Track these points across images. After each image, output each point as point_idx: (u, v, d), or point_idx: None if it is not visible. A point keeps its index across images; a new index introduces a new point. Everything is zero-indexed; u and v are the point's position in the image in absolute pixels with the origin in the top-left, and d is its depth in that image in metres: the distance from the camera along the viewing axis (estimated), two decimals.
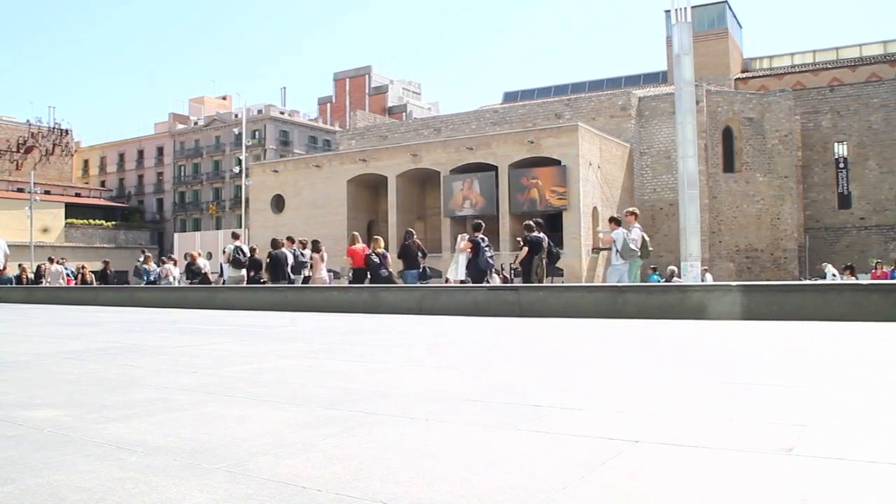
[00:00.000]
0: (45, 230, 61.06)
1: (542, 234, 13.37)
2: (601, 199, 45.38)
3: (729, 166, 50.19)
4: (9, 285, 22.62)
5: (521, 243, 13.34)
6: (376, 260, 14.60)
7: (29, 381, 4.14)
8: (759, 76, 62.71)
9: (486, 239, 13.76)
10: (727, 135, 50.30)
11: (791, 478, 1.90)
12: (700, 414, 2.80)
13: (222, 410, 3.09)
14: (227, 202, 74.98)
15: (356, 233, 17.15)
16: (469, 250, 13.77)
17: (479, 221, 14.48)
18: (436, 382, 3.85)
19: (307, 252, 16.98)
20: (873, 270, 25.13)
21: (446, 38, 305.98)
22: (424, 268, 15.19)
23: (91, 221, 71.46)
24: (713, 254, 47.17)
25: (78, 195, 76.98)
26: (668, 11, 48.65)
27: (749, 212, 49.35)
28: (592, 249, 43.97)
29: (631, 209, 13.39)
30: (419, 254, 15.04)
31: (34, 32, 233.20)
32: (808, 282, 19.03)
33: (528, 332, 7.09)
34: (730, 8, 63.01)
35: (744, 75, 63.28)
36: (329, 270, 17.32)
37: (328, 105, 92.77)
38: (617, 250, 12.54)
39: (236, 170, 56.48)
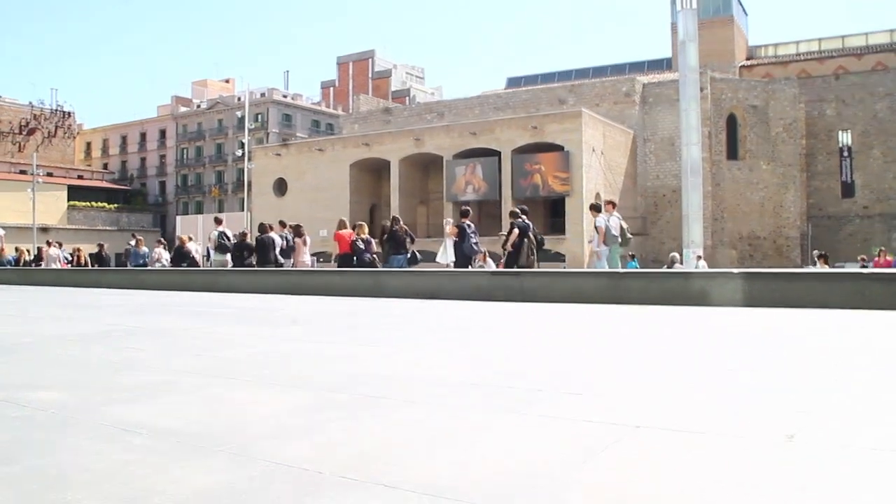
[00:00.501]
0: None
1: (527, 221, 13.45)
2: (604, 185, 45.31)
3: (733, 154, 50.06)
4: (9, 267, 22.78)
5: (511, 227, 13.39)
6: (361, 245, 14.77)
7: (33, 363, 4.15)
8: (764, 64, 62.43)
9: (472, 225, 13.87)
10: (731, 122, 50.14)
11: (792, 464, 1.91)
12: (702, 400, 2.81)
13: (227, 393, 3.10)
14: (230, 185, 74.95)
15: (343, 218, 17.17)
16: (455, 235, 13.90)
17: (467, 208, 14.65)
18: (439, 367, 3.86)
19: (307, 238, 16.90)
20: (875, 258, 25.08)
21: (450, 23, 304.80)
22: (413, 252, 15.23)
23: (93, 204, 71.46)
24: (715, 241, 47.12)
25: (80, 178, 76.93)
26: None
27: (752, 199, 49.27)
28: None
29: (609, 199, 13.76)
30: (408, 239, 15.10)
31: (36, 14, 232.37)
32: (810, 269, 19.01)
33: (530, 318, 7.10)
34: None
35: (749, 63, 63.01)
36: (314, 255, 17.14)
37: (331, 89, 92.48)
38: (604, 237, 12.80)
39: (239, 153, 56.36)
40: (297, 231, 16.90)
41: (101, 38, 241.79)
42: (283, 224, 17.21)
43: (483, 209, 44.38)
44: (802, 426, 2.30)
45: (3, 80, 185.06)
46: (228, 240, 17.23)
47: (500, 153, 44.75)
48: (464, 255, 13.56)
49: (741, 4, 64.58)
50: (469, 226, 13.67)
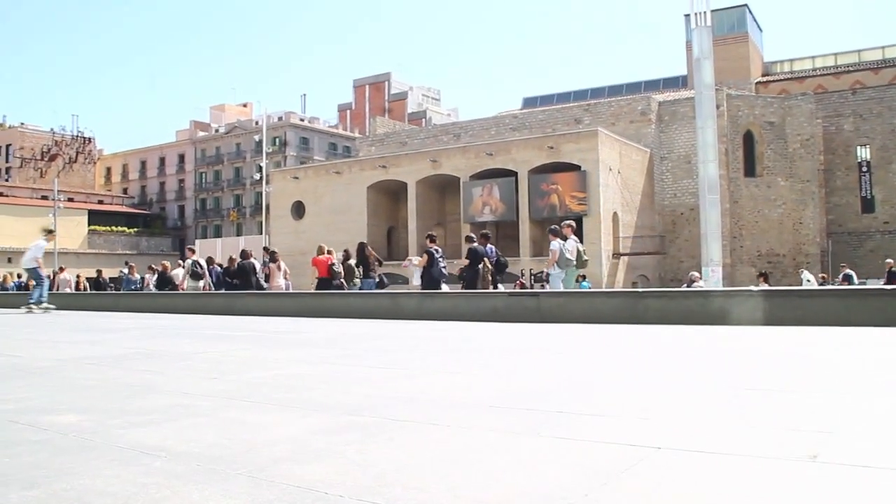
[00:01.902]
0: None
1: (487, 246, 14.20)
2: (621, 204, 45.23)
3: (750, 171, 49.84)
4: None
5: (467, 253, 14.24)
6: (339, 270, 15.74)
7: (52, 387, 4.17)
8: (780, 80, 62.29)
9: (440, 250, 14.47)
10: (748, 139, 49.96)
11: (815, 485, 1.88)
12: (723, 420, 2.78)
13: (244, 416, 3.10)
14: (248, 209, 75.49)
15: (322, 244, 17.95)
16: (424, 262, 14.45)
17: (433, 233, 15.33)
18: (458, 388, 3.85)
19: (281, 263, 18.02)
20: None
21: (465, 45, 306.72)
22: (381, 277, 16.37)
23: (113, 228, 72.18)
24: (734, 259, 46.84)
25: (101, 202, 77.80)
26: (687, 16, 48.33)
27: (770, 216, 48.98)
28: (613, 255, 43.82)
29: (568, 222, 14.20)
30: (376, 263, 16.17)
31: (58, 42, 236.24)
32: (829, 287, 18.81)
33: (548, 338, 7.07)
34: (750, 11, 62.68)
35: (765, 79, 62.88)
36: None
37: (348, 112, 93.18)
38: (556, 261, 13.36)
39: (257, 176, 56.81)
40: (273, 256, 17.78)
41: (121, 65, 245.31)
42: (267, 251, 18.64)
43: (501, 230, 44.40)
44: (825, 446, 2.27)
45: (26, 108, 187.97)
46: (201, 268, 18.58)
47: (516, 174, 44.82)
48: (432, 279, 14.01)
49: (756, 21, 64.58)
50: (437, 251, 14.28)
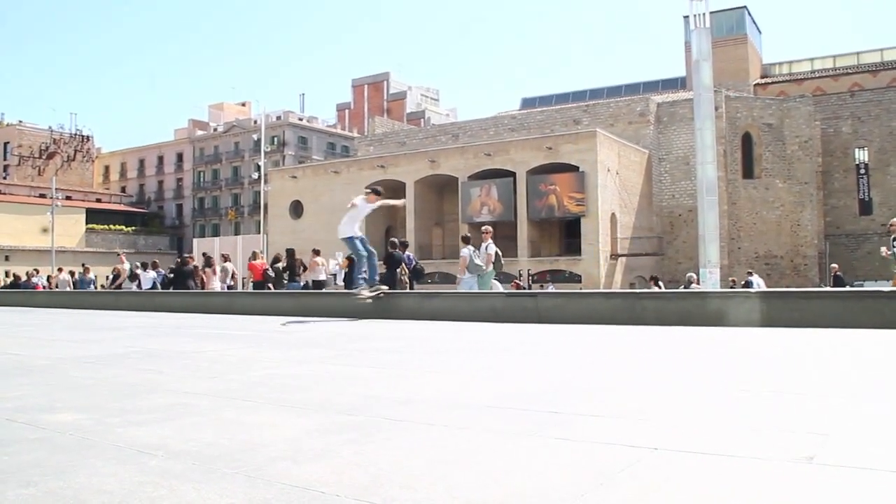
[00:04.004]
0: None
1: (406, 253, 15.53)
2: (619, 205, 45.26)
3: (748, 172, 49.91)
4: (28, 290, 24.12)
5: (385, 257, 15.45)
6: (272, 274, 17.22)
7: (50, 385, 4.17)
8: (779, 81, 62.36)
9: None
10: (746, 141, 50.03)
11: (812, 487, 1.89)
12: (720, 422, 2.78)
13: (242, 416, 3.11)
14: (246, 208, 75.45)
15: (256, 250, 20.09)
16: (346, 266, 15.81)
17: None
18: (454, 389, 3.85)
19: (228, 265, 19.70)
20: None
21: (464, 45, 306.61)
22: (306, 282, 17.81)
23: (111, 227, 72.13)
24: (732, 260, 46.88)
25: (98, 201, 77.73)
26: (686, 17, 48.37)
27: (768, 218, 49.04)
28: (611, 256, 43.83)
29: (485, 228, 14.85)
30: (301, 269, 17.71)
31: (56, 40, 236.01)
32: (828, 289, 18.82)
33: (546, 339, 7.07)
34: (749, 13, 62.71)
35: (763, 81, 62.96)
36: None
37: (346, 111, 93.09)
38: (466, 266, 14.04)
39: (255, 176, 56.74)
40: (208, 262, 19.39)
41: (120, 63, 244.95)
42: (225, 257, 20.49)
43: (498, 231, 44.41)
44: (822, 448, 2.27)
45: (24, 106, 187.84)
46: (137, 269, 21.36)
47: (514, 174, 44.85)
48: (354, 281, 15.12)
49: (755, 23, 64.63)
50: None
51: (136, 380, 4.42)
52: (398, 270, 15.06)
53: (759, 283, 25.26)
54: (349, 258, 15.25)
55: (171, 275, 19.62)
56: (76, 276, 25.47)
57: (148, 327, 9.66)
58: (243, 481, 2.02)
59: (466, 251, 13.92)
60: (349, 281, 15.21)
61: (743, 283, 26.38)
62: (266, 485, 1.97)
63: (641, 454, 2.22)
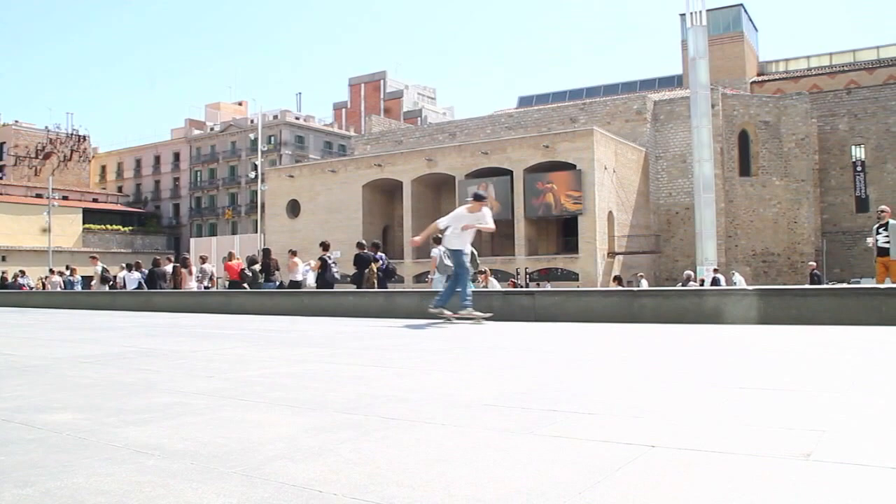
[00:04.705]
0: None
1: (375, 254, 16.18)
2: (616, 203, 45.27)
3: (745, 170, 49.94)
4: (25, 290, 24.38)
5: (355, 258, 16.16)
6: (249, 274, 17.64)
7: (47, 385, 4.17)
8: (775, 79, 62.42)
9: (332, 256, 16.58)
10: (743, 138, 50.07)
11: (809, 484, 1.89)
12: (717, 419, 2.78)
13: (239, 414, 3.10)
14: (243, 207, 75.36)
15: (232, 251, 20.71)
16: (317, 268, 16.41)
17: (326, 241, 17.23)
18: (452, 387, 3.85)
19: (206, 266, 20.45)
20: None
21: (461, 43, 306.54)
22: (281, 282, 18.55)
23: (108, 227, 72.02)
24: (729, 258, 46.92)
25: (95, 201, 77.60)
26: (683, 15, 48.51)
27: (765, 216, 49.08)
28: (608, 254, 43.86)
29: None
30: (276, 270, 18.32)
31: (53, 40, 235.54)
32: (825, 286, 18.85)
33: (543, 337, 7.07)
34: (745, 11, 62.73)
35: (760, 78, 63.00)
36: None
37: (343, 110, 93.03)
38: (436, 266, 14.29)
39: (252, 175, 56.74)
40: (184, 262, 20.16)
41: (116, 63, 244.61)
42: (203, 258, 21.44)
43: (496, 229, 44.38)
44: (819, 444, 2.28)
45: (21, 106, 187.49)
46: (108, 272, 22.48)
47: (512, 172, 44.84)
48: (326, 283, 16.03)
49: (751, 20, 64.65)
50: (329, 257, 16.34)
51: (132, 379, 4.42)
52: (367, 271, 15.62)
53: (740, 281, 25.15)
54: (322, 260, 15.97)
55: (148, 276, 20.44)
56: (64, 276, 25.70)
57: (144, 326, 9.66)
58: (241, 480, 2.01)
59: (437, 251, 13.99)
60: (321, 282, 15.94)
61: (711, 280, 25.22)
62: (263, 483, 1.97)
63: (639, 451, 2.22)
